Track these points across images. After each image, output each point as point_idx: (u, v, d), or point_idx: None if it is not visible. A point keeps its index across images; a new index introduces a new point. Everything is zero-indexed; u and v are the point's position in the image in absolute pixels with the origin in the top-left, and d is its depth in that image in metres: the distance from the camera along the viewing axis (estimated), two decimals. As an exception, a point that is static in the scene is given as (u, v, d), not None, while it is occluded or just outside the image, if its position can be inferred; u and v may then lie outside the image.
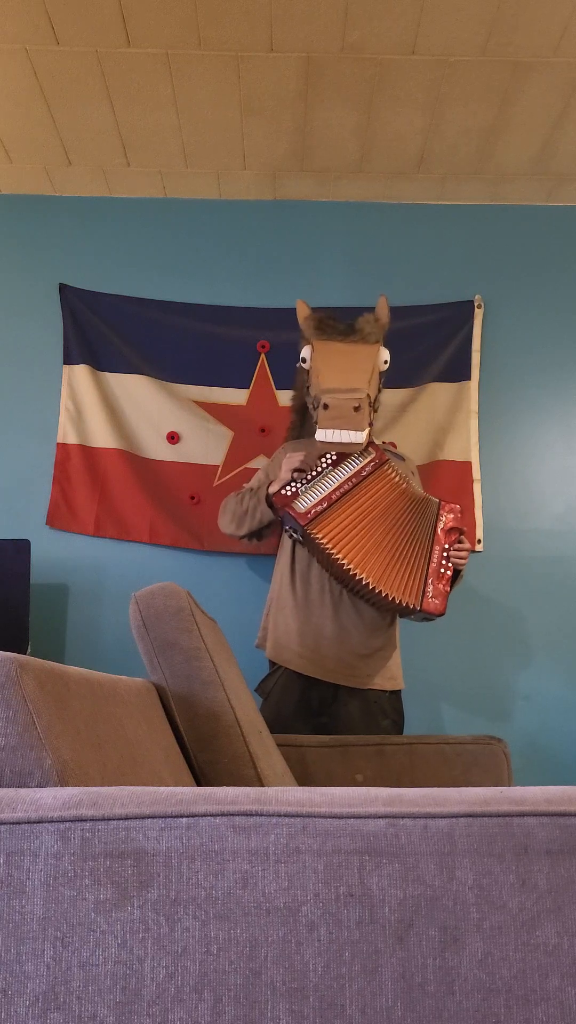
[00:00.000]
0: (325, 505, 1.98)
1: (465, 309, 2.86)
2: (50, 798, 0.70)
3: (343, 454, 2.08)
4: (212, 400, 2.80)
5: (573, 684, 2.69)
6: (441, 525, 2.02)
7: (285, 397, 2.72)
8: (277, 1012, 0.64)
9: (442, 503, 2.06)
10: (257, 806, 0.69)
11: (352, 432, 1.96)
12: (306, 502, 1.99)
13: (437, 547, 2.00)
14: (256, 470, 2.40)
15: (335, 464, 2.06)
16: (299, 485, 2.02)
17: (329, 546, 1.94)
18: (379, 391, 2.14)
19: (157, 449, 2.78)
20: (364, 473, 2.04)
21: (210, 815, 0.68)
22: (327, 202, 2.95)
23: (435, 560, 1.99)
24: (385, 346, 2.13)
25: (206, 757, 1.24)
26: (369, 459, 2.07)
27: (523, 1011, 0.65)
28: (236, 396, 2.80)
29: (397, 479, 2.07)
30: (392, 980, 0.65)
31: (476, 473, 2.78)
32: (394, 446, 2.69)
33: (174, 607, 1.30)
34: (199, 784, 1.23)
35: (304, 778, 1.73)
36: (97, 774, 0.82)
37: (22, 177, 2.84)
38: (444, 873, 0.66)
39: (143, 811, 0.68)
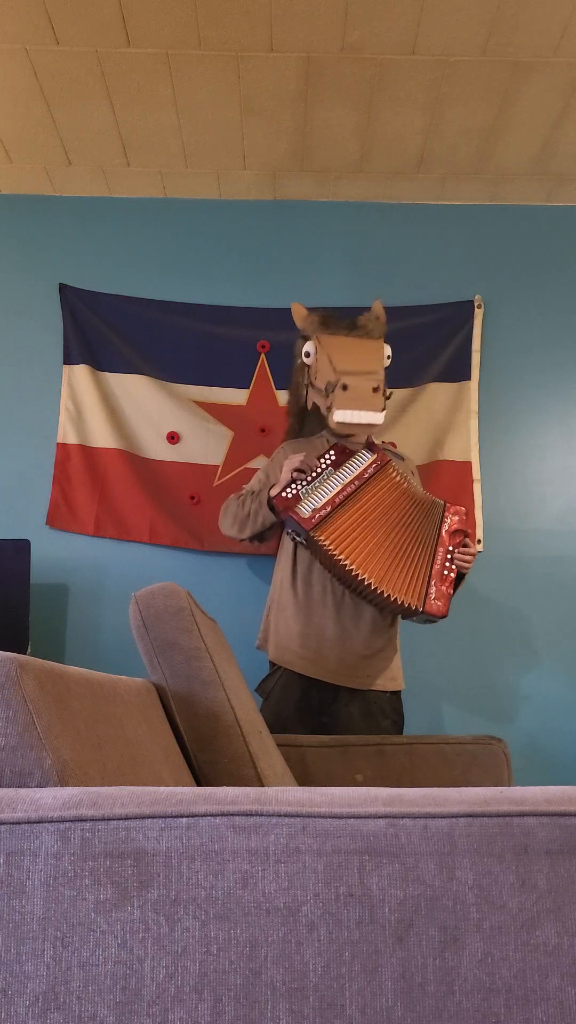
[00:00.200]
0: (329, 509, 1.97)
1: (465, 309, 2.86)
2: (50, 798, 0.70)
3: (343, 454, 2.07)
4: (212, 400, 2.80)
5: (573, 684, 2.69)
6: (446, 527, 2.02)
7: (285, 397, 2.72)
8: (277, 1012, 0.64)
9: (447, 505, 2.05)
10: (257, 806, 0.69)
11: (371, 413, 1.96)
12: (309, 506, 1.98)
13: (441, 549, 2.00)
14: (256, 470, 2.40)
15: (336, 465, 2.06)
16: (300, 487, 2.02)
17: (333, 549, 1.93)
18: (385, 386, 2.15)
19: (157, 449, 2.78)
20: (367, 475, 2.04)
21: (210, 815, 0.68)
22: (327, 202, 2.95)
23: (438, 562, 1.98)
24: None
25: (206, 757, 1.24)
26: (371, 461, 2.06)
27: (523, 1011, 0.65)
28: (236, 396, 2.80)
29: (400, 480, 2.07)
30: (392, 980, 0.65)
31: (476, 473, 2.78)
32: (394, 446, 2.68)
33: (174, 607, 1.30)
34: (199, 784, 1.23)
35: (304, 778, 1.73)
36: (97, 774, 0.82)
37: (22, 177, 2.84)
38: (444, 873, 0.66)
39: (143, 811, 0.68)
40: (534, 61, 2.29)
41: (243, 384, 2.81)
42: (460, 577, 2.04)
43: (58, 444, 2.78)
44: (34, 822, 0.68)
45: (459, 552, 2.00)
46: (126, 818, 0.68)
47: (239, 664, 1.67)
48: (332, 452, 2.08)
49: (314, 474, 2.04)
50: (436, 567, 1.98)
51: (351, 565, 1.93)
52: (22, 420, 2.81)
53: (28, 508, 2.75)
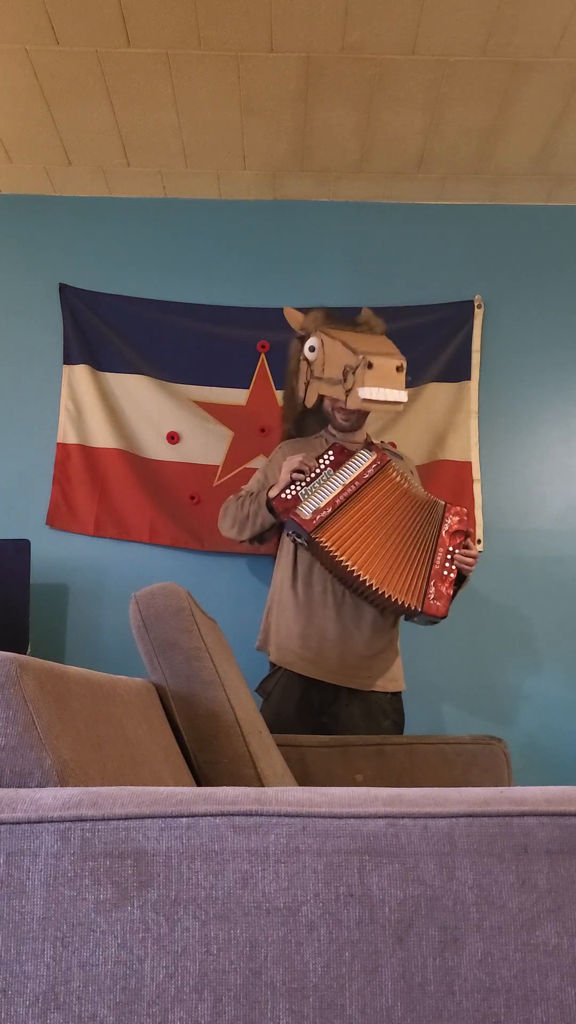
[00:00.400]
0: (330, 510, 1.97)
1: (465, 309, 2.86)
2: (50, 798, 0.70)
3: (342, 454, 2.07)
4: (212, 400, 2.80)
5: (573, 684, 2.69)
6: (446, 527, 2.01)
7: (284, 398, 2.72)
8: (277, 1012, 0.64)
9: (448, 505, 2.05)
10: (257, 806, 0.69)
11: (397, 391, 1.96)
12: (310, 507, 1.97)
13: (441, 549, 1.99)
14: (256, 470, 2.40)
15: (335, 465, 2.05)
16: (299, 488, 2.01)
17: (335, 551, 1.93)
18: None
19: (157, 449, 2.78)
20: (367, 475, 2.03)
21: (210, 815, 0.68)
22: (327, 202, 2.95)
23: (438, 562, 1.98)
24: None
25: (206, 757, 1.24)
26: (371, 461, 2.06)
27: (523, 1011, 0.65)
28: (236, 396, 2.80)
29: (400, 480, 2.07)
30: (392, 980, 0.65)
31: (476, 473, 2.78)
32: (394, 446, 2.68)
33: (174, 607, 1.30)
34: (199, 784, 1.23)
35: (304, 778, 1.73)
36: (97, 774, 0.82)
37: (22, 177, 2.84)
38: (444, 873, 0.66)
39: (143, 811, 0.68)
40: (534, 61, 2.29)
41: (243, 384, 2.81)
42: (462, 578, 2.04)
43: (58, 444, 2.78)
44: (34, 822, 0.68)
45: (459, 553, 2.00)
46: (126, 818, 0.68)
47: (239, 664, 1.67)
48: (331, 452, 2.08)
49: (313, 475, 2.03)
50: (435, 567, 1.97)
51: (352, 566, 1.93)
52: (22, 420, 2.81)
53: (28, 508, 2.75)
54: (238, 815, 0.68)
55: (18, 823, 0.68)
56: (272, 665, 2.17)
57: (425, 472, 2.70)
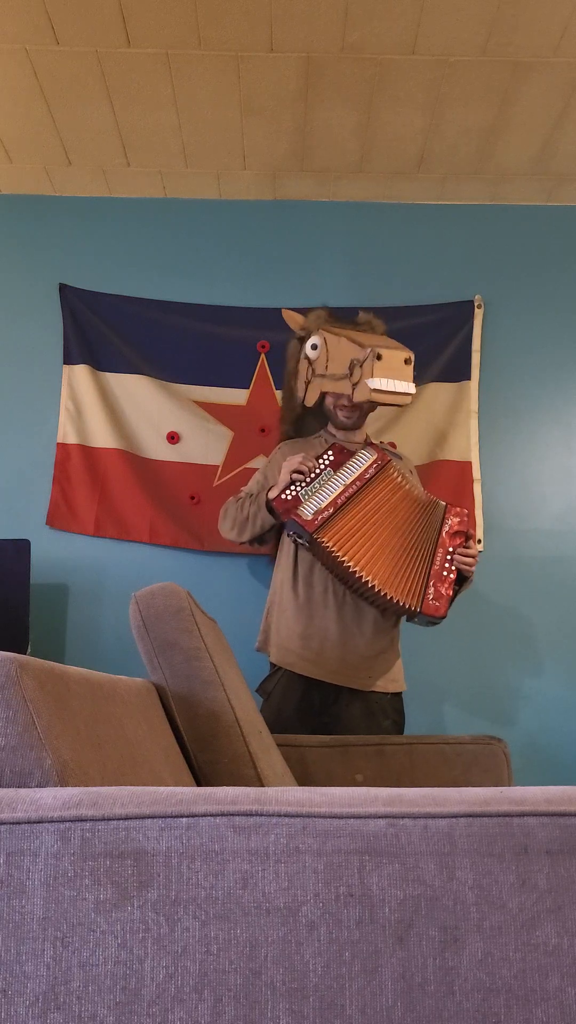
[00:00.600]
0: (331, 511, 1.96)
1: (465, 309, 2.86)
2: (50, 798, 0.70)
3: (342, 454, 2.07)
4: (212, 400, 2.80)
5: (573, 684, 2.69)
6: (446, 528, 2.01)
7: (284, 399, 2.72)
8: (277, 1012, 0.64)
9: (449, 506, 2.05)
10: (257, 806, 0.69)
11: (406, 383, 1.96)
12: (311, 508, 1.97)
13: (440, 550, 1.99)
14: (256, 470, 2.40)
15: (335, 465, 2.05)
16: (299, 488, 2.01)
17: (337, 551, 1.93)
18: None
19: (157, 449, 2.78)
20: (368, 476, 2.03)
21: (210, 815, 0.68)
22: (327, 202, 2.95)
23: (437, 563, 1.98)
24: None
25: (206, 757, 1.24)
26: (372, 461, 2.06)
27: (523, 1011, 0.65)
28: (236, 396, 2.80)
29: (401, 481, 2.07)
30: (392, 980, 0.65)
31: (476, 473, 2.78)
32: (394, 446, 2.69)
33: (174, 607, 1.30)
34: (199, 784, 1.23)
35: (304, 778, 1.73)
36: (97, 774, 0.82)
37: (22, 177, 2.84)
38: (444, 873, 0.66)
39: (143, 811, 0.68)
40: (534, 61, 2.29)
41: (243, 384, 2.81)
42: (464, 579, 2.03)
43: (58, 444, 2.78)
44: (34, 822, 0.68)
45: (459, 553, 1.99)
46: (126, 818, 0.68)
47: (239, 664, 1.67)
48: (330, 452, 2.08)
49: (313, 475, 2.03)
50: (435, 568, 1.97)
51: (354, 566, 1.92)
52: (22, 420, 2.81)
53: (28, 508, 2.75)
54: (238, 815, 0.68)
55: (18, 823, 0.68)
56: (272, 665, 2.17)
57: (425, 472, 2.70)
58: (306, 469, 2.03)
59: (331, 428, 2.28)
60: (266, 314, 2.80)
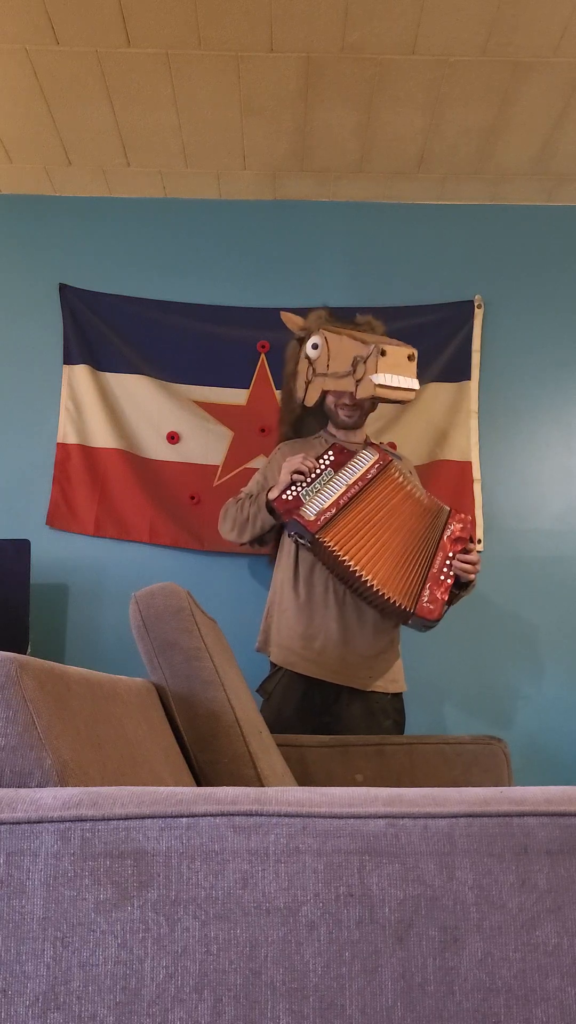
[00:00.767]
0: (334, 511, 1.96)
1: (465, 309, 2.86)
2: (50, 798, 0.70)
3: (342, 455, 2.07)
4: (212, 400, 2.80)
5: (573, 684, 2.69)
6: (448, 533, 2.00)
7: (284, 399, 2.72)
8: (277, 1012, 0.64)
9: (453, 511, 2.05)
10: (257, 806, 0.69)
11: (410, 379, 1.96)
12: (313, 508, 1.97)
13: (440, 554, 1.98)
14: (256, 470, 2.40)
15: (336, 466, 2.05)
16: (300, 489, 2.01)
17: (339, 551, 1.92)
18: None
19: (157, 449, 2.78)
20: (370, 476, 2.03)
21: (210, 815, 0.68)
22: (327, 202, 2.95)
23: (436, 566, 1.97)
24: None
25: (206, 757, 1.24)
26: (374, 461, 2.06)
27: (523, 1011, 0.65)
28: (236, 396, 2.80)
29: (403, 481, 2.07)
30: (392, 980, 0.65)
31: (476, 473, 2.78)
32: (394, 446, 2.69)
33: (174, 607, 1.30)
34: (199, 784, 1.23)
35: (304, 778, 1.73)
36: (97, 774, 0.82)
37: (22, 177, 2.84)
38: (444, 873, 0.66)
39: (143, 811, 0.68)
40: (534, 61, 2.29)
41: (243, 384, 2.81)
42: (466, 585, 2.03)
43: (58, 444, 2.78)
44: (34, 822, 0.68)
45: (459, 559, 1.98)
46: (126, 818, 0.68)
47: (239, 664, 1.67)
48: (331, 452, 2.07)
49: (313, 475, 2.03)
50: (433, 571, 1.96)
51: (356, 567, 1.92)
52: (22, 420, 2.81)
53: (28, 508, 2.75)
54: (238, 815, 0.68)
55: (18, 823, 0.68)
56: (273, 665, 2.17)
57: (425, 472, 2.70)
58: (306, 469, 2.03)
59: (331, 428, 2.28)
60: (266, 314, 2.80)
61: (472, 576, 1.99)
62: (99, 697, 0.95)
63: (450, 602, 2.03)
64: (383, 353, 1.94)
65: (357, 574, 1.92)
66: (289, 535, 2.07)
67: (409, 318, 2.80)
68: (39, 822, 0.68)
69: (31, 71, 2.34)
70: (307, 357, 2.20)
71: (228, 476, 2.75)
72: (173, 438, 2.77)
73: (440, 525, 2.02)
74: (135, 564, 2.72)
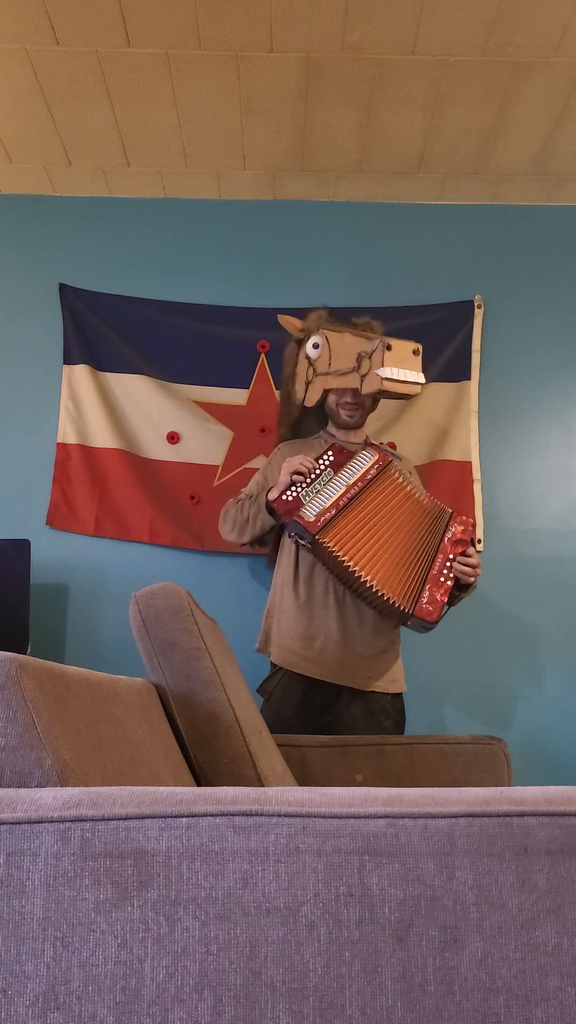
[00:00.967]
0: (334, 512, 1.96)
1: (465, 309, 2.86)
2: (50, 798, 0.70)
3: (342, 455, 2.07)
4: (212, 400, 2.80)
5: (573, 684, 2.69)
6: (449, 535, 2.00)
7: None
8: (277, 1012, 0.64)
9: (454, 514, 2.05)
10: (257, 806, 0.69)
11: (417, 373, 1.97)
12: (314, 509, 1.97)
13: (441, 555, 1.98)
14: (256, 470, 2.40)
15: (335, 466, 2.05)
16: (300, 489, 2.01)
17: (338, 552, 1.92)
18: None
19: (157, 449, 2.78)
20: (370, 476, 2.03)
21: (210, 815, 0.68)
22: (327, 202, 2.95)
23: (436, 568, 1.97)
24: None
25: (206, 757, 1.24)
26: (374, 462, 2.06)
27: (523, 1011, 0.65)
28: (236, 396, 2.80)
29: (403, 482, 2.07)
30: (392, 980, 0.65)
31: (476, 473, 2.78)
32: (394, 446, 2.69)
33: (174, 607, 1.30)
34: (199, 784, 1.23)
35: (304, 778, 1.73)
36: (97, 774, 0.82)
37: (22, 177, 2.84)
38: (444, 873, 0.66)
39: (143, 811, 0.68)
40: (534, 61, 2.29)
41: (243, 384, 2.81)
42: (467, 587, 2.03)
43: (58, 444, 2.78)
44: (34, 822, 0.68)
45: (459, 561, 1.98)
46: (126, 818, 0.68)
47: (239, 664, 1.67)
48: (330, 453, 2.07)
49: (313, 476, 2.03)
50: (433, 572, 1.96)
51: (356, 568, 1.92)
52: (22, 420, 2.81)
53: (28, 508, 2.75)
54: (238, 815, 0.68)
55: (18, 823, 0.68)
56: (273, 665, 2.17)
57: (425, 472, 2.70)
58: (306, 470, 2.03)
59: (331, 428, 2.28)
60: (266, 314, 2.80)
61: (472, 579, 1.99)
62: (99, 697, 0.95)
63: (451, 604, 2.03)
64: (389, 347, 1.94)
65: (357, 575, 1.92)
66: (289, 536, 2.07)
67: (409, 318, 2.80)
68: (39, 822, 0.68)
69: (31, 71, 2.34)
70: (307, 357, 2.20)
71: (228, 476, 2.75)
72: (173, 438, 2.77)
73: (441, 527, 2.02)
74: (135, 564, 2.72)
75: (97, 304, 2.84)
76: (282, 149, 2.67)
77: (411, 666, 2.31)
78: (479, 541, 2.74)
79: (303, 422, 2.33)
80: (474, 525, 2.05)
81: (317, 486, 2.01)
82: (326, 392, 2.17)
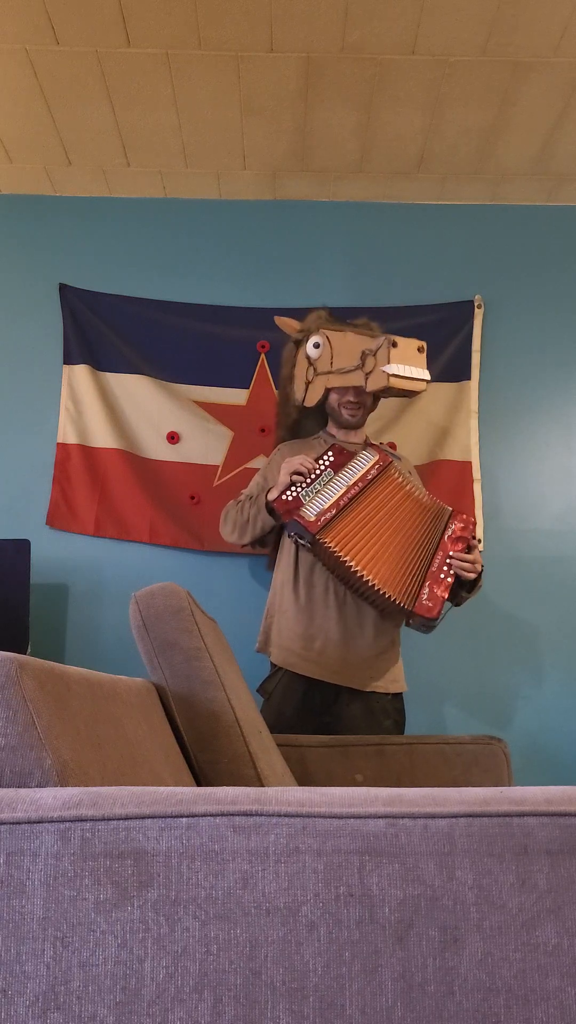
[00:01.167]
0: (334, 512, 1.96)
1: (465, 309, 2.86)
2: (50, 798, 0.70)
3: (342, 455, 2.07)
4: (212, 400, 2.80)
5: (573, 684, 2.69)
6: (449, 533, 2.01)
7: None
8: (277, 1012, 0.64)
9: (454, 512, 2.05)
10: (257, 806, 0.69)
11: (422, 370, 1.97)
12: (314, 509, 1.97)
13: (441, 553, 1.98)
14: (256, 470, 2.39)
15: (335, 467, 2.05)
16: (300, 489, 2.01)
17: (339, 551, 1.92)
18: None
19: (157, 449, 2.78)
20: (370, 477, 2.03)
21: (210, 815, 0.68)
22: (327, 202, 2.95)
23: (435, 565, 1.97)
24: None
25: (206, 757, 1.24)
26: (374, 462, 2.06)
27: (523, 1011, 0.65)
28: (236, 396, 2.80)
29: (403, 482, 2.07)
30: (392, 980, 0.65)
31: (476, 473, 2.78)
32: (393, 446, 2.69)
33: (174, 607, 1.30)
34: (199, 784, 1.23)
35: (304, 778, 1.73)
36: (97, 774, 0.82)
37: (22, 177, 2.84)
38: (444, 873, 0.66)
39: (143, 811, 0.68)
40: (534, 61, 2.29)
41: (243, 384, 2.81)
42: (472, 587, 2.03)
43: (58, 444, 2.78)
44: (34, 822, 0.68)
45: (458, 558, 1.98)
46: (126, 818, 0.68)
47: (239, 665, 1.67)
48: (330, 453, 2.07)
49: (313, 476, 2.03)
50: (432, 569, 1.96)
51: (357, 567, 1.92)
52: (22, 420, 2.81)
53: (28, 508, 2.75)
54: (238, 815, 0.68)
55: (18, 823, 0.68)
56: (273, 665, 2.17)
57: (425, 472, 2.70)
58: (305, 470, 2.03)
59: (331, 428, 2.28)
60: (266, 314, 2.80)
61: (471, 575, 1.99)
62: (99, 697, 0.95)
63: (457, 604, 2.04)
64: (394, 345, 1.95)
65: (358, 574, 1.92)
66: (289, 535, 2.07)
67: (409, 318, 2.80)
68: (39, 822, 0.68)
69: (31, 71, 2.34)
70: (307, 357, 2.20)
71: (228, 476, 2.75)
72: (173, 438, 2.77)
73: (441, 525, 2.02)
74: (135, 564, 2.72)
75: (97, 304, 2.84)
76: (282, 149, 2.67)
77: (411, 666, 2.31)
78: (479, 541, 2.74)
79: (301, 423, 2.33)
80: (474, 523, 2.05)
81: (317, 486, 2.01)
82: (327, 391, 2.17)
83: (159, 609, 1.29)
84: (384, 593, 1.92)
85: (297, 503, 1.99)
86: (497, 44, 2.22)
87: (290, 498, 2.00)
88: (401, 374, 1.95)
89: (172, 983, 0.65)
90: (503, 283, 2.90)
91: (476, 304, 2.86)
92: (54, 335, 2.84)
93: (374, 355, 1.99)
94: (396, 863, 0.67)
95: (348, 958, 0.65)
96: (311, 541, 1.96)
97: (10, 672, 0.78)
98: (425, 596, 1.93)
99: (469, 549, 2.01)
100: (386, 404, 2.65)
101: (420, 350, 1.98)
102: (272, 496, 2.05)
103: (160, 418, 2.79)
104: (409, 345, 1.96)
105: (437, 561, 1.97)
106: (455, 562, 1.97)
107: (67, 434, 2.78)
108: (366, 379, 2.02)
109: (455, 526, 2.01)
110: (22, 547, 2.40)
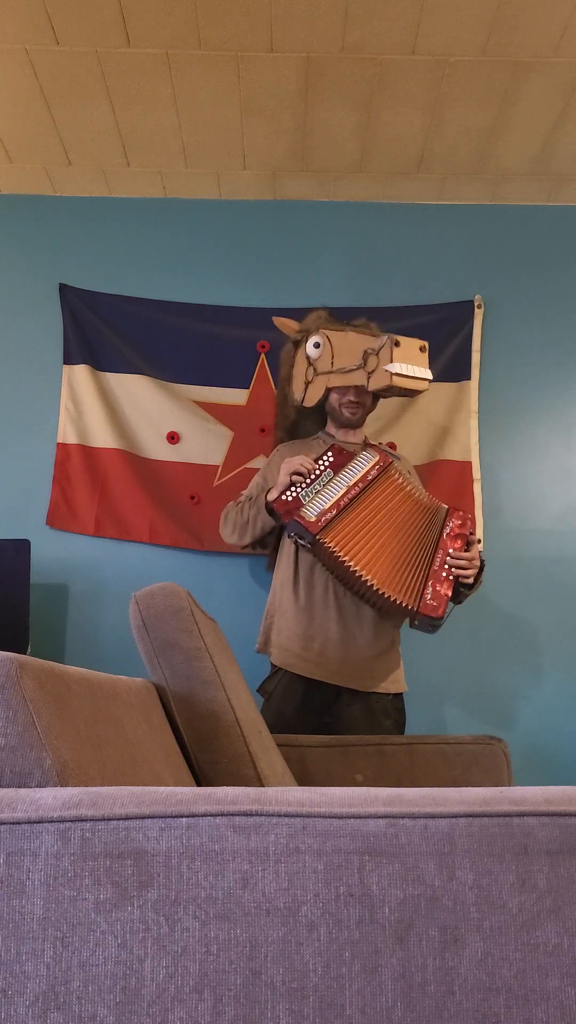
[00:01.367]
0: (334, 512, 1.96)
1: (465, 309, 2.86)
2: (50, 798, 0.70)
3: (341, 456, 2.07)
4: (212, 400, 2.80)
5: (573, 684, 2.69)
6: (447, 530, 2.01)
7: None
8: (277, 1012, 0.64)
9: (451, 509, 2.05)
10: (257, 806, 0.69)
11: (424, 369, 1.98)
12: (314, 510, 1.97)
13: (441, 551, 1.99)
14: (256, 470, 2.39)
15: (335, 467, 2.05)
16: (299, 490, 2.01)
17: (339, 552, 1.92)
18: None
19: (157, 449, 2.78)
20: (370, 477, 2.03)
21: (210, 815, 0.68)
22: (327, 202, 2.95)
23: (437, 564, 1.97)
24: None
25: (206, 757, 1.24)
26: (374, 462, 2.06)
27: (523, 1011, 0.65)
28: (236, 396, 2.80)
29: (403, 482, 2.07)
30: (392, 980, 0.65)
31: (476, 473, 2.78)
32: (393, 446, 2.69)
33: (174, 607, 1.30)
34: (199, 784, 1.23)
35: (304, 778, 1.73)
36: (97, 774, 0.82)
37: (22, 177, 2.84)
38: (444, 873, 0.66)
39: (143, 811, 0.68)
40: (534, 61, 2.29)
41: (243, 384, 2.81)
42: (472, 584, 2.03)
43: (58, 444, 2.78)
44: (34, 822, 0.68)
45: (453, 556, 1.98)
46: (126, 818, 0.68)
47: (239, 665, 1.67)
48: (330, 453, 2.07)
49: (313, 476, 2.03)
50: (434, 568, 1.97)
51: (357, 567, 1.92)
52: (22, 420, 2.81)
53: (28, 508, 2.75)
54: (238, 815, 0.68)
55: (18, 823, 0.68)
56: (273, 666, 2.17)
57: (425, 472, 2.70)
58: (305, 471, 2.03)
59: (330, 429, 2.28)
60: (266, 314, 2.79)
61: (468, 572, 1.99)
62: (99, 697, 0.95)
63: (458, 601, 2.03)
64: (397, 344, 1.95)
65: (358, 575, 1.92)
66: (289, 536, 2.07)
67: (409, 318, 2.80)
68: (39, 822, 0.68)
69: (31, 71, 2.34)
70: (307, 357, 2.20)
71: (228, 476, 2.75)
72: (173, 438, 2.77)
73: (439, 523, 2.02)
74: (135, 564, 2.72)
75: (97, 304, 2.84)
76: (282, 149, 2.67)
77: (411, 666, 2.31)
78: (479, 540, 2.74)
79: (300, 423, 2.33)
80: (473, 519, 2.05)
81: (317, 487, 2.01)
82: (328, 391, 2.17)
83: (159, 609, 1.29)
84: (384, 593, 1.92)
85: (297, 503, 1.99)
86: (497, 44, 2.22)
87: (290, 498, 2.00)
88: (404, 373, 1.95)
89: (172, 983, 0.65)
90: (503, 283, 2.90)
91: (476, 304, 2.86)
92: (54, 335, 2.84)
93: (376, 354, 1.99)
94: (396, 863, 0.67)
95: (348, 958, 0.65)
96: (311, 541, 1.96)
97: (10, 672, 0.78)
98: (429, 596, 1.93)
99: (468, 545, 2.01)
100: (386, 404, 2.65)
101: (422, 349, 1.98)
102: (272, 496, 2.05)
103: (160, 418, 2.79)
104: (411, 344, 1.97)
105: (438, 560, 1.97)
106: (452, 563, 1.97)
107: (67, 434, 2.78)
108: (368, 378, 2.02)
109: (453, 523, 2.02)
110: (22, 547, 2.40)
